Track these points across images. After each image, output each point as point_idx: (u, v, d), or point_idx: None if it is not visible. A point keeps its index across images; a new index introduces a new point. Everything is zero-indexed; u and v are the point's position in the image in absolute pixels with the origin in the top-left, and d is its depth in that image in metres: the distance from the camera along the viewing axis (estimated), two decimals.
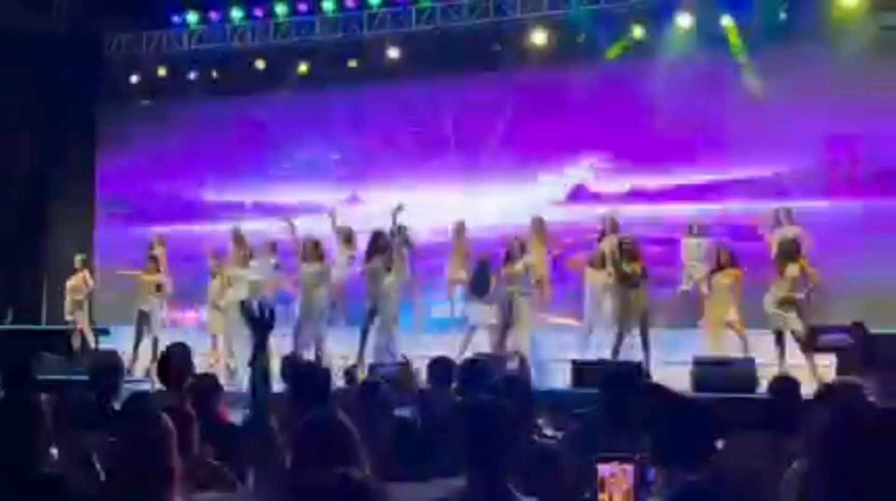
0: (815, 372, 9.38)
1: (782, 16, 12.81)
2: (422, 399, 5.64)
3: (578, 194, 14.14)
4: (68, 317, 13.05)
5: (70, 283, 13.18)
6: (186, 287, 14.90)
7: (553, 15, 13.96)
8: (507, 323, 10.71)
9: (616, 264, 10.68)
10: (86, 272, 13.21)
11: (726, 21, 13.08)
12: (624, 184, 14.06)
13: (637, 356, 10.24)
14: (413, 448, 4.29)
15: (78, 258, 13.48)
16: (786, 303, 9.93)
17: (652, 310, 10.67)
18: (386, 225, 11.59)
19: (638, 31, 13.52)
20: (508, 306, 10.66)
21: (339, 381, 7.49)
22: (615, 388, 4.78)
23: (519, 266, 10.76)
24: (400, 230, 12.03)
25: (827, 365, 9.86)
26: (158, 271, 12.94)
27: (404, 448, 4.23)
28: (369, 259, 11.03)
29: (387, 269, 11.00)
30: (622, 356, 10.34)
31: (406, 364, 8.04)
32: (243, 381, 11.06)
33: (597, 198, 14.06)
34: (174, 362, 5.61)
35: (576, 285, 12.28)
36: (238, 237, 13.88)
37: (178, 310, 14.37)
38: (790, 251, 10.06)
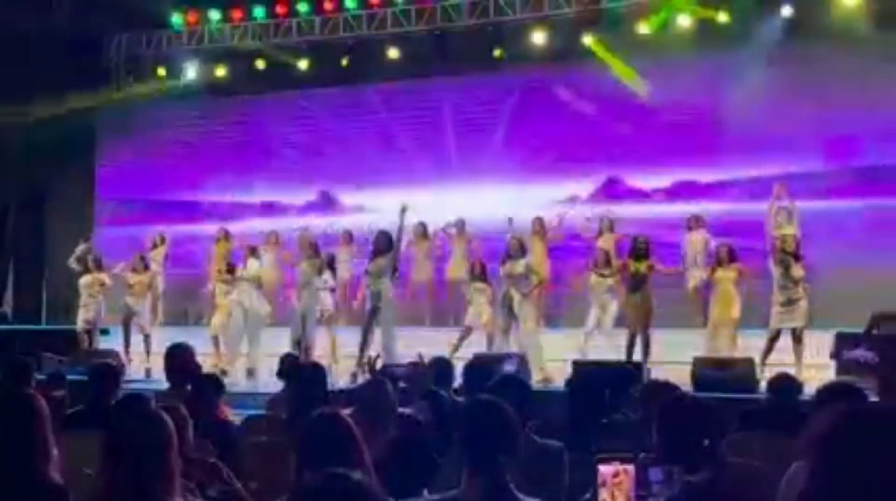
0: (800, 371, 9.36)
1: (784, 15, 12.82)
2: (433, 399, 5.64)
3: (609, 189, 14.12)
4: (84, 316, 12.98)
5: (83, 281, 13.13)
6: (184, 287, 14.95)
7: (553, 15, 13.96)
8: (507, 323, 10.70)
9: (624, 263, 10.70)
10: (102, 274, 13.13)
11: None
12: (624, 183, 14.06)
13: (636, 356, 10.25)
14: (418, 446, 4.29)
15: (90, 258, 13.46)
16: (793, 301, 9.91)
17: (657, 311, 10.61)
18: (388, 225, 11.61)
19: (642, 29, 13.53)
20: (510, 306, 10.64)
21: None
22: (613, 389, 4.78)
23: (521, 266, 10.74)
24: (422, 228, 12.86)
25: (826, 365, 9.87)
26: (147, 269, 12.91)
27: (409, 446, 4.22)
28: (373, 259, 11.02)
29: (393, 269, 11.01)
30: (620, 357, 10.35)
31: (418, 364, 8.02)
32: (239, 382, 11.12)
33: (598, 198, 14.08)
34: (178, 361, 5.62)
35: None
36: (226, 236, 13.95)
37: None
38: (795, 251, 10.04)
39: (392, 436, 4.19)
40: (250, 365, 11.58)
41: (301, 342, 11.24)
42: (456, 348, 10.79)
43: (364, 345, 10.84)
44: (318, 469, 2.18)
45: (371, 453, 3.18)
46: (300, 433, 3.17)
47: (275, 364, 7.66)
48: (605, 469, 3.13)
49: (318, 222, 14.79)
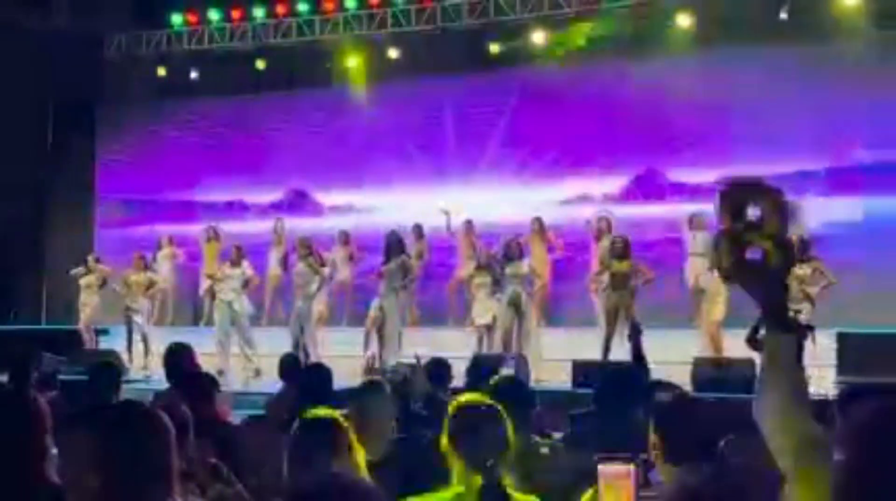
0: None
1: (783, 15, 12.81)
2: (431, 400, 5.64)
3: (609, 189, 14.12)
4: (85, 315, 12.92)
5: (83, 281, 13.09)
6: (184, 287, 14.96)
7: (553, 15, 13.96)
8: (511, 323, 10.73)
9: (606, 263, 10.70)
10: (101, 273, 13.09)
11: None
12: (624, 183, 14.05)
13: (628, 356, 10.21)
14: (419, 447, 4.28)
15: (90, 258, 13.44)
16: (795, 301, 9.88)
17: (643, 311, 10.54)
18: (389, 226, 11.69)
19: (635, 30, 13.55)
20: (514, 306, 10.68)
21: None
22: (613, 388, 4.78)
23: (524, 267, 10.79)
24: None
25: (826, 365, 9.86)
26: (146, 269, 12.90)
27: (410, 445, 4.22)
28: (386, 261, 11.02)
29: (402, 271, 11.03)
30: (619, 356, 10.33)
31: (416, 365, 8.05)
32: (240, 382, 11.12)
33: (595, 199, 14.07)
34: (176, 360, 5.62)
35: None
36: (216, 236, 13.96)
37: None
38: (799, 251, 10.00)
39: (394, 437, 4.19)
40: (255, 366, 11.56)
41: (300, 343, 11.25)
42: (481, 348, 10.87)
43: (368, 344, 10.90)
44: (308, 470, 2.19)
45: (368, 454, 3.18)
46: (291, 433, 3.17)
47: (274, 364, 7.65)
48: (605, 469, 3.12)
49: (313, 223, 14.85)
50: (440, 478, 3.35)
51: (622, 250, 10.55)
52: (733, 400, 7.43)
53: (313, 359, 10.35)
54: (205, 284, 13.35)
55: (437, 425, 4.81)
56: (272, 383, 7.72)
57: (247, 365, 11.62)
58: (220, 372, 11.18)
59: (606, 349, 10.34)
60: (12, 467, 2.92)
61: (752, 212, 1.84)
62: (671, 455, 3.17)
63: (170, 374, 5.89)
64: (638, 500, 3.12)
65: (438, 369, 6.33)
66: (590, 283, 11.68)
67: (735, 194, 1.87)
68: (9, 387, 5.50)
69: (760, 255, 1.85)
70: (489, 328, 11.16)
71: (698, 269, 11.74)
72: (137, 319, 12.48)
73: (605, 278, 10.86)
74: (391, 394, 4.81)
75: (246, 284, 12.07)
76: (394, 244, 11.04)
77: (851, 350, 9.93)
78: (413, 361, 8.00)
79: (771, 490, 3.25)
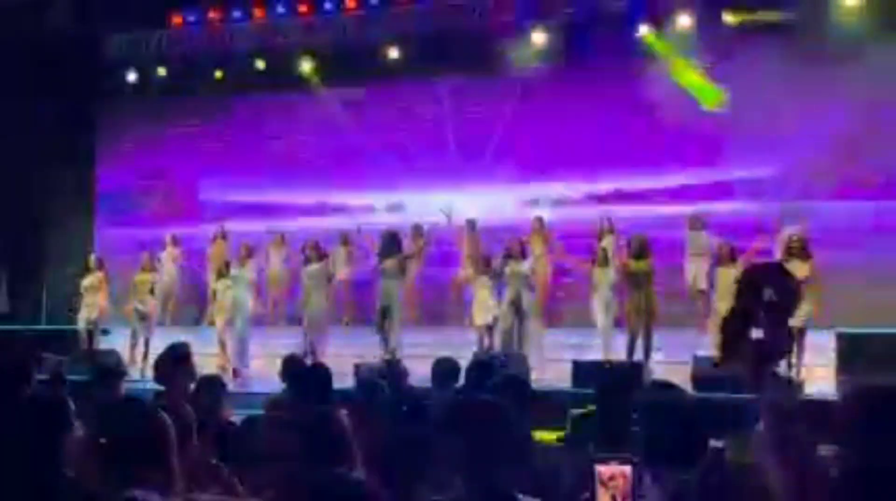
0: (800, 370, 9.39)
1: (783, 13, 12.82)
2: (412, 397, 5.65)
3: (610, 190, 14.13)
4: (86, 316, 12.92)
5: (85, 282, 13.09)
6: (186, 287, 14.97)
7: (553, 15, 13.95)
8: (511, 323, 10.75)
9: (624, 263, 10.73)
10: (102, 272, 13.10)
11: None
12: (624, 183, 14.05)
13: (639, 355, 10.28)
14: (414, 446, 4.29)
15: (92, 258, 13.45)
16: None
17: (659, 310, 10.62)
18: (391, 225, 11.74)
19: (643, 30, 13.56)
20: (515, 306, 10.70)
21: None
22: (612, 389, 4.79)
23: (525, 266, 10.82)
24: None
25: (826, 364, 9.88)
26: (154, 270, 12.90)
27: (406, 446, 4.23)
28: (384, 259, 11.06)
29: (401, 269, 11.08)
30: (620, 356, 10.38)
31: (393, 361, 8.08)
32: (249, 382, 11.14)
33: (599, 198, 14.09)
34: (171, 362, 5.61)
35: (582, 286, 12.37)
36: (223, 236, 13.97)
37: None
38: (799, 251, 10.00)
39: (390, 437, 4.20)
40: (233, 367, 11.61)
41: (310, 345, 11.30)
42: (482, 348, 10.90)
43: (385, 341, 10.93)
44: (308, 468, 2.20)
45: (366, 453, 3.20)
46: (292, 432, 3.19)
47: (276, 364, 7.66)
48: (603, 470, 3.14)
49: (312, 222, 14.88)
50: (436, 477, 3.37)
51: (639, 250, 10.57)
52: (733, 400, 7.44)
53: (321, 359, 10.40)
54: (211, 285, 13.32)
55: (416, 422, 4.83)
56: (272, 383, 7.73)
57: (227, 365, 11.66)
58: (224, 369, 11.24)
59: (631, 349, 10.36)
60: (40, 465, 2.93)
61: (768, 293, 2.13)
62: (664, 455, 3.18)
63: (164, 375, 5.83)
64: (635, 500, 3.14)
65: (447, 367, 6.34)
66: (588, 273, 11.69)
67: (754, 276, 2.09)
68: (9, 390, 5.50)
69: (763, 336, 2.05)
70: (490, 328, 11.17)
71: (697, 269, 11.78)
72: (144, 320, 12.44)
73: (617, 276, 10.89)
74: (389, 394, 4.84)
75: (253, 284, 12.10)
76: (388, 242, 11.07)
77: (851, 350, 9.93)
78: (389, 358, 8.07)
79: (766, 489, 3.26)
